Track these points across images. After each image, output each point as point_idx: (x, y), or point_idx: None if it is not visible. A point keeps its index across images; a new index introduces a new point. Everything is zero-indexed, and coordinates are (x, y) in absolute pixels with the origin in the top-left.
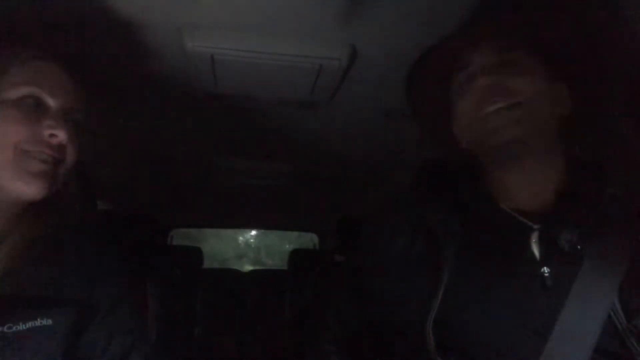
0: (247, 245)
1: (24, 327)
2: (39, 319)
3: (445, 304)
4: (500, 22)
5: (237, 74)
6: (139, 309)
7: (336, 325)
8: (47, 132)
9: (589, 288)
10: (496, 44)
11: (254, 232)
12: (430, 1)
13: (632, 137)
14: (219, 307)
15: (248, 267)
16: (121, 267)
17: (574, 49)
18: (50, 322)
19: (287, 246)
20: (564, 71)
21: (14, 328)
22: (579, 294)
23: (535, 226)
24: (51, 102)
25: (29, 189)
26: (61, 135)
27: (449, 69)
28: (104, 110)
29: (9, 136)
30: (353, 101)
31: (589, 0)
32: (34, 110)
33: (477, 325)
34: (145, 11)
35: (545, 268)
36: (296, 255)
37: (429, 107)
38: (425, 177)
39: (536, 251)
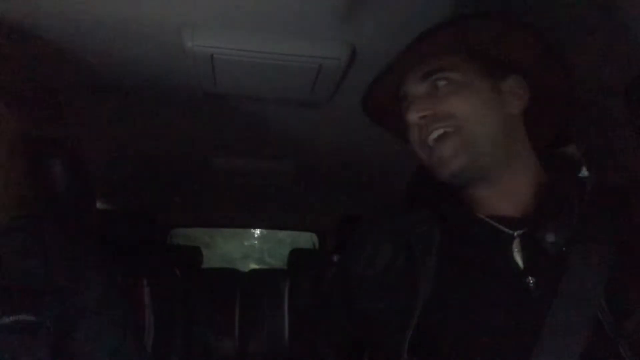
0: (251, 247)
1: (9, 320)
2: (24, 313)
3: (425, 322)
4: (423, 43)
5: (236, 74)
6: (130, 307)
7: (332, 330)
8: None
9: (575, 291)
10: (422, 70)
11: (257, 233)
12: (430, 1)
13: (618, 129)
14: (218, 306)
15: (253, 266)
16: (108, 266)
17: (518, 41)
18: (34, 318)
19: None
20: (511, 65)
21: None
22: (565, 298)
23: (516, 233)
24: None
25: None
26: None
27: (394, 101)
28: (103, 110)
29: None
30: (353, 101)
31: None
32: None
33: (458, 340)
34: (144, 11)
35: (530, 278)
36: (295, 254)
37: (395, 134)
38: (417, 184)
39: (519, 260)
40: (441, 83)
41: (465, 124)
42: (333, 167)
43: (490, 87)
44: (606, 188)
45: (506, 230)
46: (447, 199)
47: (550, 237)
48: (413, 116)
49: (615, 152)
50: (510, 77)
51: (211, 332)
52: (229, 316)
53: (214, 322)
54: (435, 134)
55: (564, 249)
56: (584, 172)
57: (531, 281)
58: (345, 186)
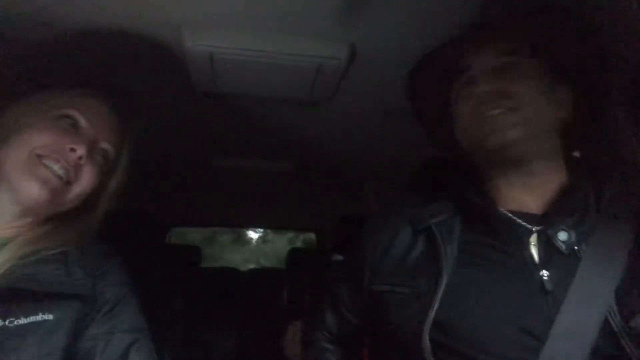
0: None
1: (26, 321)
2: (40, 314)
3: (444, 306)
4: (500, 26)
5: (236, 73)
6: (141, 307)
7: (333, 324)
8: (68, 145)
9: (587, 290)
10: (496, 48)
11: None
12: (430, 1)
13: (631, 138)
14: (218, 306)
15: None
16: (124, 266)
17: (575, 52)
18: (51, 317)
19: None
20: (565, 74)
21: (16, 322)
22: (577, 295)
23: (535, 228)
24: (85, 125)
25: (28, 188)
26: (80, 151)
27: (450, 72)
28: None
29: (29, 141)
30: (352, 100)
31: (589, 3)
32: (68, 128)
33: (475, 328)
34: (144, 10)
35: (544, 271)
36: (294, 254)
37: (430, 110)
38: (425, 177)
39: (535, 254)
40: (511, 66)
41: (527, 108)
42: (333, 167)
43: (551, 87)
44: (626, 196)
45: (525, 224)
46: (469, 190)
47: (562, 236)
48: (481, 87)
49: (615, 152)
50: (562, 85)
51: (211, 332)
52: (229, 316)
53: (214, 322)
54: (495, 110)
55: (576, 247)
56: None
57: (545, 275)
58: (345, 186)
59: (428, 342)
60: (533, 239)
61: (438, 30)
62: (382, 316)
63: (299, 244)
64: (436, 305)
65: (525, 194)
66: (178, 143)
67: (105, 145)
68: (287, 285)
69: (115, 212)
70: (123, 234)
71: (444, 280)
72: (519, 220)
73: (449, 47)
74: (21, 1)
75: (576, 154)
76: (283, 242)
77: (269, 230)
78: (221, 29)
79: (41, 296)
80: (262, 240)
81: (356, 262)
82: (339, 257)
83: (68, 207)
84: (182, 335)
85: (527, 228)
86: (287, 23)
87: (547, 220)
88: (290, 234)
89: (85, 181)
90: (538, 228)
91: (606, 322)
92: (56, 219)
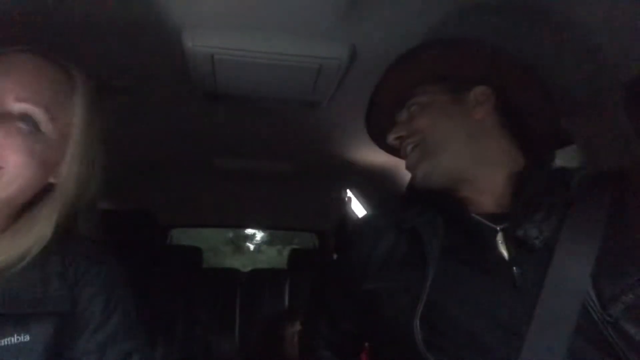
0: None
1: (1, 344)
2: (15, 335)
3: (431, 299)
4: (391, 81)
5: (237, 74)
6: (135, 312)
7: (329, 332)
8: None
9: (562, 281)
10: (398, 101)
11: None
12: (430, 1)
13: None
14: (219, 306)
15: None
16: (115, 270)
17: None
18: (28, 337)
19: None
20: (472, 77)
21: None
22: (552, 288)
23: (499, 227)
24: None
25: None
26: None
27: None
28: (103, 110)
29: None
30: (353, 101)
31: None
32: None
33: (458, 324)
34: (145, 11)
35: (515, 268)
36: (295, 255)
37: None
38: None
39: (504, 251)
40: (412, 108)
41: (429, 137)
42: (333, 167)
43: (452, 100)
44: (597, 178)
45: (490, 225)
46: (442, 199)
47: (531, 232)
48: (390, 138)
49: (615, 152)
50: (473, 89)
51: (211, 332)
52: (229, 316)
53: (214, 322)
54: (408, 149)
55: (547, 241)
56: (557, 164)
57: (516, 272)
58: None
59: (420, 333)
60: (500, 238)
61: (439, 31)
62: (375, 314)
63: (285, 253)
64: (424, 298)
65: (481, 197)
66: (179, 144)
67: (22, 106)
68: (288, 286)
69: (117, 213)
70: (124, 235)
71: (431, 273)
72: (484, 221)
73: (375, 111)
74: (21, 0)
75: (526, 140)
76: (273, 252)
77: (262, 242)
78: (222, 29)
79: (16, 316)
80: (257, 250)
81: (345, 267)
82: None
83: (4, 196)
84: (182, 335)
85: (492, 228)
86: (287, 24)
87: (510, 218)
88: (279, 246)
89: (9, 164)
90: (501, 227)
91: (585, 311)
92: (18, 217)
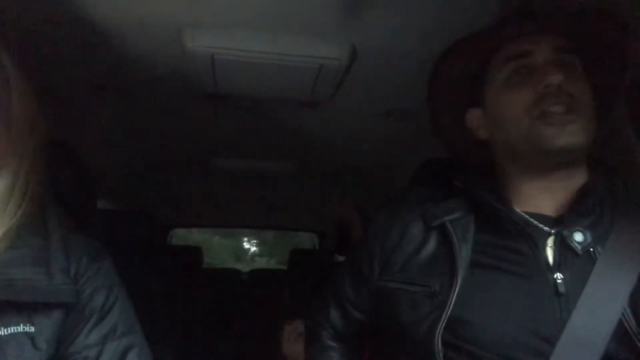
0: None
1: (6, 332)
2: (21, 325)
3: (457, 306)
4: (560, 21)
5: (237, 74)
6: (134, 309)
7: (337, 320)
8: None
9: (600, 292)
10: (555, 42)
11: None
12: (431, 2)
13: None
14: (219, 306)
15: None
16: (114, 267)
17: (608, 55)
18: (32, 328)
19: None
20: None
21: None
22: (590, 298)
23: (552, 230)
24: None
25: None
26: None
27: (490, 53)
28: (103, 110)
29: None
30: (353, 101)
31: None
32: None
33: (486, 330)
34: (145, 11)
35: (558, 274)
36: (296, 255)
37: (451, 89)
38: (431, 174)
39: (550, 256)
40: (568, 64)
41: (586, 112)
42: (333, 167)
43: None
44: None
45: (542, 227)
46: (484, 190)
47: (578, 237)
48: (547, 79)
49: (615, 152)
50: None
51: (211, 332)
52: (229, 316)
53: (215, 323)
54: (563, 107)
55: (591, 249)
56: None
57: (559, 277)
58: (345, 186)
59: (440, 342)
60: (550, 241)
61: (439, 31)
62: (391, 314)
63: (272, 262)
64: (451, 306)
65: (545, 196)
66: (179, 144)
67: None
68: (289, 286)
69: (117, 213)
70: (124, 235)
71: (459, 281)
72: (536, 222)
73: (504, 28)
74: (24, 2)
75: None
76: (264, 260)
77: (257, 249)
78: (222, 29)
79: (21, 306)
80: (252, 256)
81: (363, 257)
82: (341, 258)
83: None
84: (182, 335)
85: (543, 230)
86: (288, 24)
87: (563, 221)
88: (268, 257)
89: None
90: (555, 230)
91: (621, 326)
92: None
